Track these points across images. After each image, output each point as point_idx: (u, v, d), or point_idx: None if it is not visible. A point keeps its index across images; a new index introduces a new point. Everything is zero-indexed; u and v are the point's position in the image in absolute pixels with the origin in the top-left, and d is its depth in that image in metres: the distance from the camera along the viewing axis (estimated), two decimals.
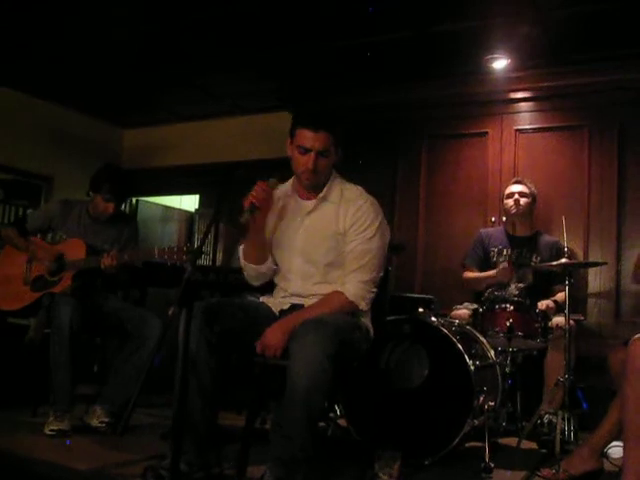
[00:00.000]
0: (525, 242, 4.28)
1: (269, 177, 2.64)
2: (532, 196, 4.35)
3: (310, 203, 2.73)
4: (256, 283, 2.84)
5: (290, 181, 2.82)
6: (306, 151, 2.60)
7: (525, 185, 4.37)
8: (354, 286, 2.59)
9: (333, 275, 2.67)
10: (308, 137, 2.59)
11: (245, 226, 2.60)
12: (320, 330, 2.30)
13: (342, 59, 5.01)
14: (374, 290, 2.66)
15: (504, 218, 4.47)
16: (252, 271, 2.78)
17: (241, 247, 2.79)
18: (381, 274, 2.71)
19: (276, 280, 2.83)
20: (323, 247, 2.66)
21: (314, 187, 2.70)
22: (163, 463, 2.43)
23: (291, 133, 2.68)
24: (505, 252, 4.26)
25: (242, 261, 2.79)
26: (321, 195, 2.70)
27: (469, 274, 4.33)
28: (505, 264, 4.07)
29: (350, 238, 2.63)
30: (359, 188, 2.76)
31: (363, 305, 2.61)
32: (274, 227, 2.77)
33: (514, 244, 4.29)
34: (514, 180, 4.48)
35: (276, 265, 2.79)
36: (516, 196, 4.32)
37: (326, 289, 2.64)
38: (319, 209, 2.71)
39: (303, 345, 2.26)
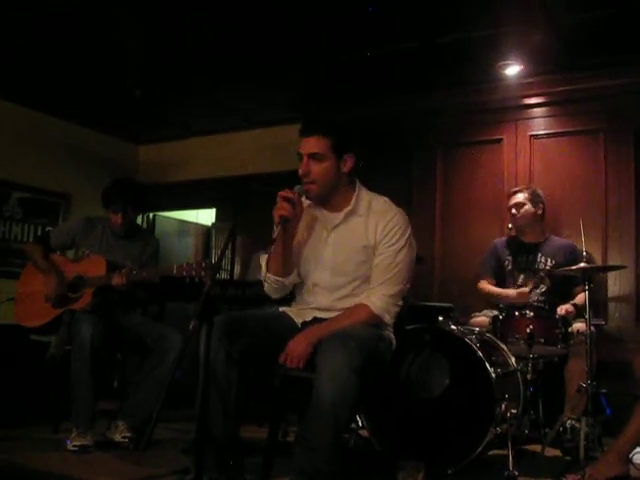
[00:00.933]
0: (538, 248, 4.25)
1: (294, 185, 2.58)
2: (533, 201, 4.29)
3: (337, 216, 2.67)
4: (276, 296, 2.75)
5: None
6: (300, 158, 2.58)
7: (522, 193, 4.34)
8: (379, 299, 2.55)
9: (361, 289, 2.63)
10: (300, 143, 2.58)
11: (277, 240, 2.52)
12: (346, 343, 2.27)
13: (353, 70, 5.01)
14: (400, 303, 2.62)
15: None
16: (275, 283, 2.67)
17: (262, 259, 2.73)
18: (408, 286, 2.66)
19: (300, 293, 2.77)
20: (353, 261, 2.62)
21: (317, 197, 2.63)
22: (185, 478, 2.43)
23: None
24: (519, 259, 4.24)
25: (265, 273, 2.68)
26: (349, 209, 2.64)
27: (485, 286, 4.32)
28: (524, 288, 4.04)
29: (379, 251, 2.59)
30: (386, 199, 2.71)
31: (388, 319, 2.58)
32: (300, 239, 2.71)
33: (525, 251, 4.27)
34: (510, 192, 4.45)
35: (300, 278, 2.72)
36: (513, 210, 4.31)
37: (353, 303, 2.60)
38: (347, 222, 2.65)
39: (329, 358, 2.24)
